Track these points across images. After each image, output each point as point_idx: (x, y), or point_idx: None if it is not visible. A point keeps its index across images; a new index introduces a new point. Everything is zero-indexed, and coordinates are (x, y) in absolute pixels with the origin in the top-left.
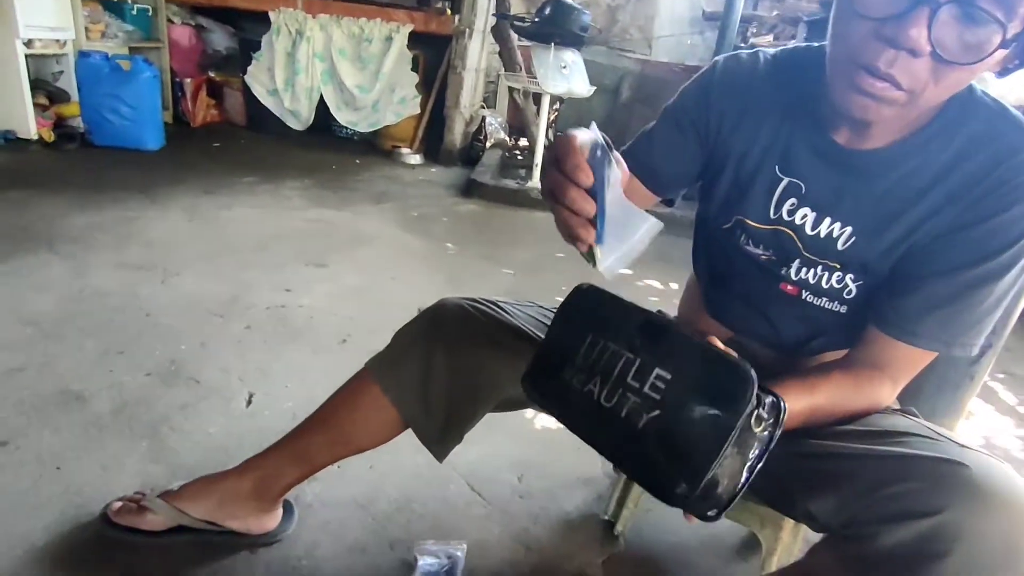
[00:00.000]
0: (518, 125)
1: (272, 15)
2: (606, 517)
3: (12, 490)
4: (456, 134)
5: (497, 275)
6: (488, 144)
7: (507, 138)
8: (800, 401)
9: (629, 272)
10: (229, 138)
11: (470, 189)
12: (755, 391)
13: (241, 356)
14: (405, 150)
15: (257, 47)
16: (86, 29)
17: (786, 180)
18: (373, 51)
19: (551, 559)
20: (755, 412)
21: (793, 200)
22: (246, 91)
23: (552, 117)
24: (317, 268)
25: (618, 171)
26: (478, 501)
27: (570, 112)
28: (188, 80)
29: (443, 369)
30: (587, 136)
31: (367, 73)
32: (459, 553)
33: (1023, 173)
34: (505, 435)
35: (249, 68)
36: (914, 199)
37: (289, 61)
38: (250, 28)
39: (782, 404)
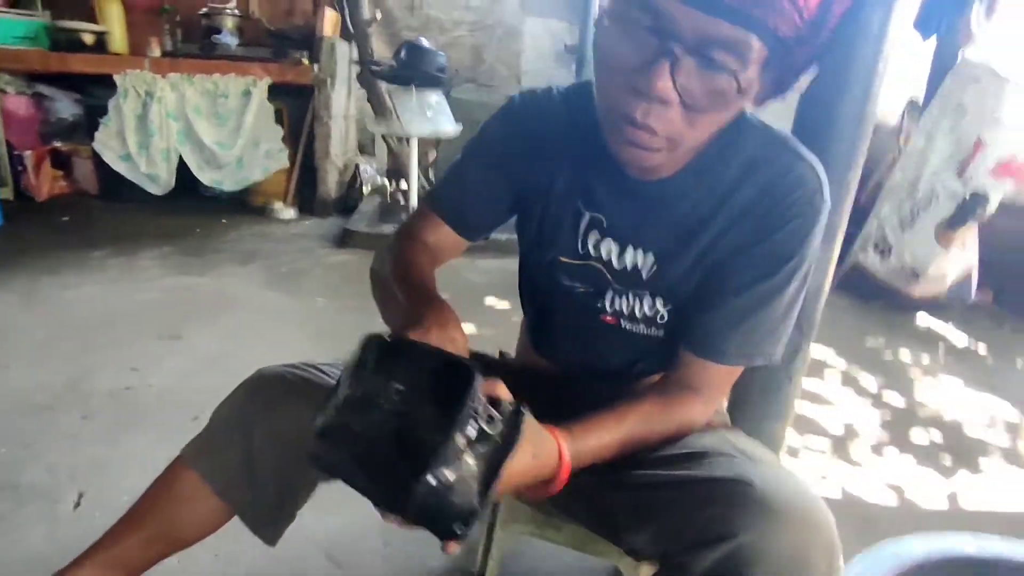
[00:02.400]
0: (396, 170)
1: (117, 78)
2: (474, 571)
3: None
4: (330, 184)
5: (370, 325)
6: (366, 191)
7: (386, 183)
8: (610, 432)
9: (506, 305)
10: (80, 210)
11: (344, 239)
12: (477, 388)
13: (73, 451)
14: (278, 205)
15: (104, 112)
16: None
17: (588, 215)
18: (231, 106)
19: None
20: (484, 411)
21: (597, 233)
22: (97, 159)
23: (432, 158)
24: (170, 341)
25: None
26: (337, 574)
27: (449, 151)
28: (29, 153)
29: (266, 445)
30: None
31: (227, 129)
32: None
33: (793, 192)
34: (363, 500)
35: (97, 134)
36: (703, 223)
37: (140, 124)
38: (97, 93)
39: (522, 411)
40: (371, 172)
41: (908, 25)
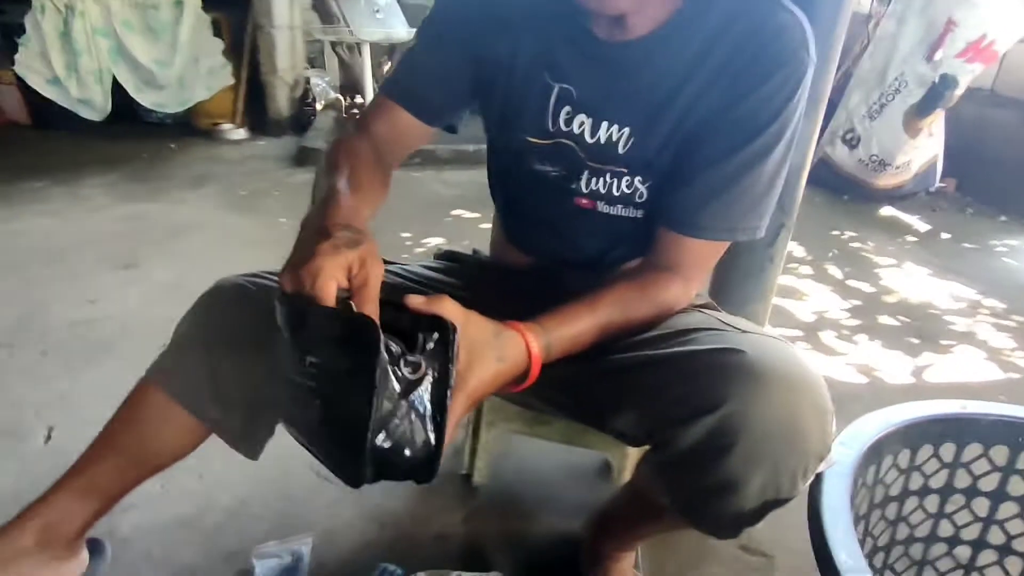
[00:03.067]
0: (350, 83)
1: None
2: (463, 472)
3: None
4: (280, 101)
5: None
6: (319, 107)
7: (340, 97)
8: (583, 320)
9: (475, 215)
10: (11, 142)
11: (302, 157)
12: (381, 348)
13: (35, 387)
14: (227, 126)
15: (21, 31)
16: None
17: (557, 87)
18: (163, 19)
19: (408, 531)
20: (405, 361)
21: (568, 108)
22: (23, 85)
23: (387, 68)
24: (126, 270)
25: None
26: (325, 487)
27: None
28: None
29: (232, 358)
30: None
31: (162, 45)
32: (303, 548)
33: (775, 42)
34: None
35: (17, 57)
36: (678, 86)
37: (65, 42)
38: (10, 10)
39: (450, 335)
40: (323, 86)
41: None
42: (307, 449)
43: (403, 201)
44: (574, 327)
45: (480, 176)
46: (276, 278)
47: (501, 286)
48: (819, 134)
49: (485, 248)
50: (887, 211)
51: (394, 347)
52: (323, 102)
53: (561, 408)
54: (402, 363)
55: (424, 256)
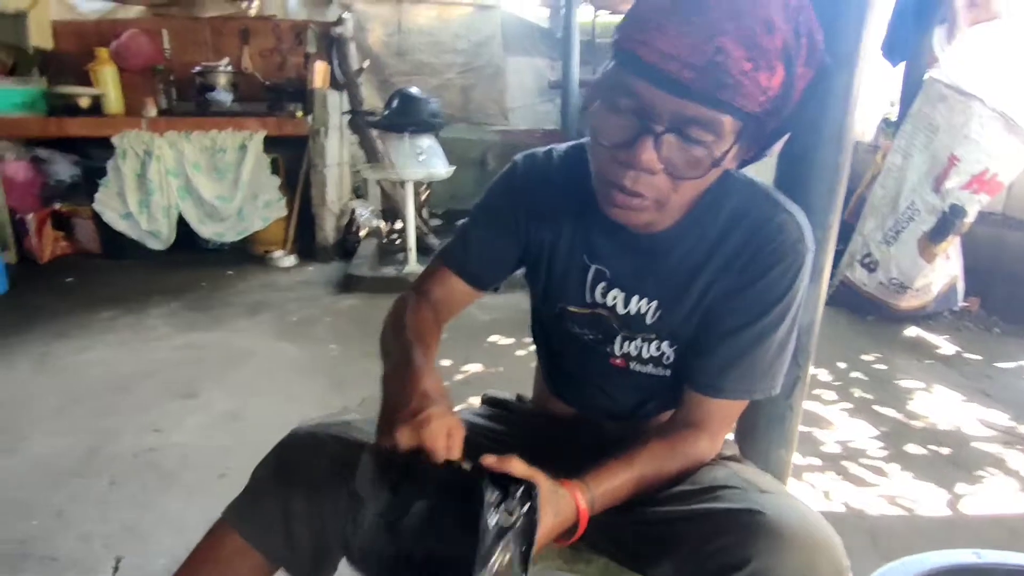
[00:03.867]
0: (391, 210)
1: (115, 139)
2: None
3: None
4: (328, 230)
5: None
6: (362, 235)
7: (382, 225)
8: (621, 475)
9: (510, 340)
10: (83, 271)
11: (348, 284)
12: (489, 488)
13: (105, 517)
14: (278, 253)
15: (103, 173)
16: None
17: (594, 267)
18: (229, 160)
19: None
20: (502, 505)
21: (604, 284)
22: (98, 219)
23: (425, 196)
24: (187, 400)
25: None
26: None
27: (442, 188)
28: (30, 216)
29: (303, 503)
30: None
31: (226, 183)
32: None
33: (775, 239)
34: None
35: (97, 195)
36: (697, 270)
37: (140, 182)
38: (95, 154)
39: (534, 491)
40: (366, 215)
41: (877, 52)
42: None
43: (447, 325)
44: (613, 482)
45: (513, 300)
46: (343, 426)
47: (546, 435)
48: (836, 259)
49: (517, 379)
50: (912, 331)
51: (491, 496)
52: (366, 229)
53: (601, 551)
54: (498, 510)
55: (463, 385)
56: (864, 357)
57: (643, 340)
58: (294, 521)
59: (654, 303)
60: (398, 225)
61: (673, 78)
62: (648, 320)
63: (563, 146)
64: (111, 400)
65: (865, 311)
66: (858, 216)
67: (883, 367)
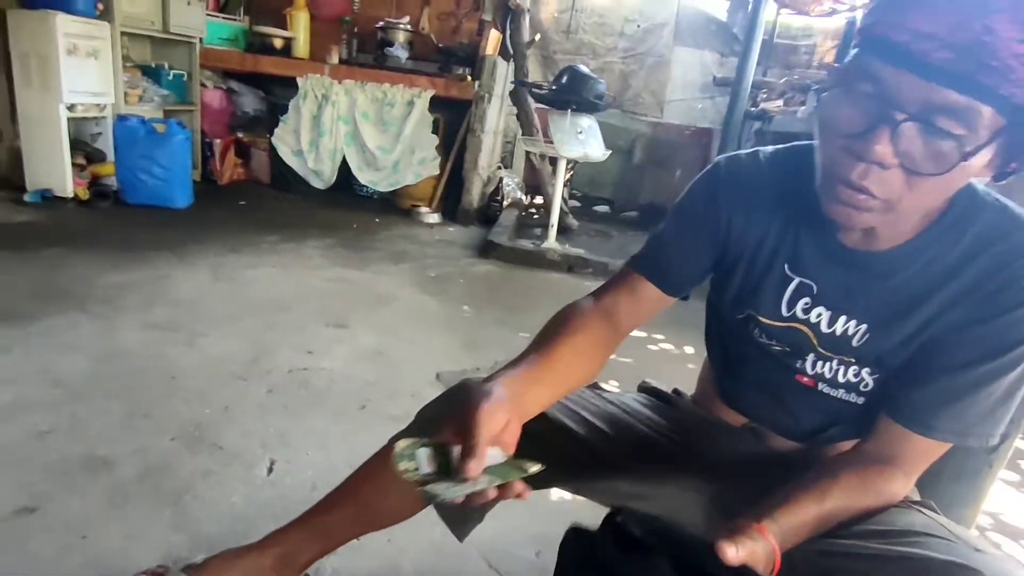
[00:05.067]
0: (534, 184)
1: (300, 80)
2: None
3: (39, 559)
4: (474, 194)
5: (514, 339)
6: (505, 204)
7: (523, 198)
8: (811, 510)
9: (642, 334)
10: (254, 196)
11: (487, 249)
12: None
13: (263, 421)
14: (424, 209)
15: (284, 110)
16: (125, 94)
17: (797, 280)
18: (395, 114)
19: None
20: None
21: (807, 300)
22: (272, 151)
23: (568, 176)
24: (337, 329)
25: None
26: None
27: (584, 171)
28: (217, 141)
29: None
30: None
31: (389, 135)
32: None
33: None
34: (523, 509)
35: (276, 130)
36: (927, 295)
37: (314, 123)
38: (279, 92)
39: None
40: (512, 185)
41: None
42: None
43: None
44: (802, 518)
45: None
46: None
47: (710, 440)
48: None
49: (681, 385)
50: None
51: None
52: (510, 200)
53: None
54: None
55: None
56: None
57: (840, 363)
58: None
59: (863, 326)
60: (538, 200)
61: (926, 60)
62: (854, 343)
63: (769, 148)
64: (273, 316)
65: None
66: None
67: None
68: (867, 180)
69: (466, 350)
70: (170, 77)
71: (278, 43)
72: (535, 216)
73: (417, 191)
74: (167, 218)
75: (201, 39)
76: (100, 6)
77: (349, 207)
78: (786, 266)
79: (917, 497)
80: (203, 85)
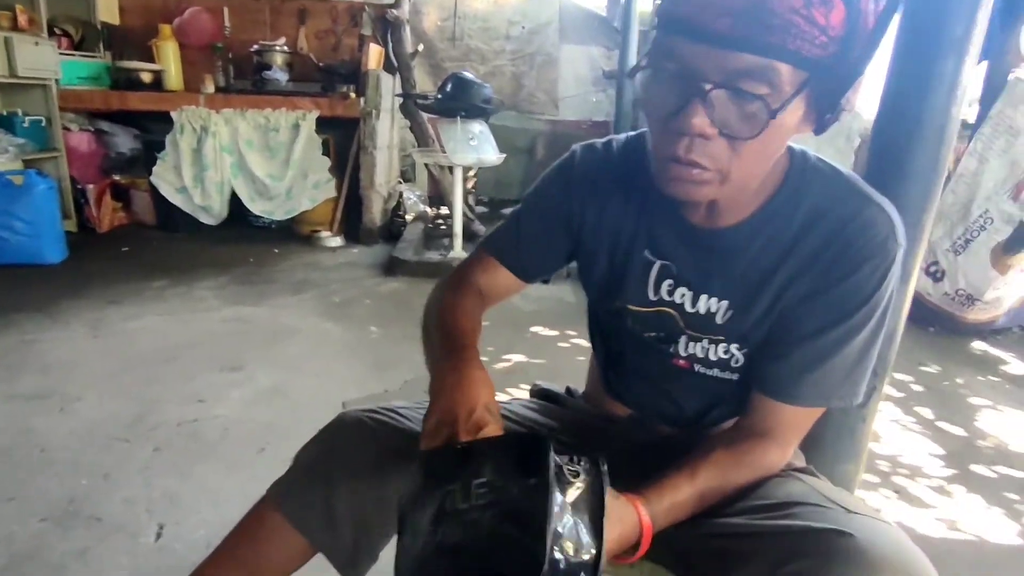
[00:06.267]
0: (437, 196)
1: (174, 114)
2: None
3: None
4: (375, 212)
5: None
6: (409, 219)
7: (428, 210)
8: (684, 489)
9: (554, 332)
10: (138, 241)
11: (392, 267)
12: (551, 448)
13: (148, 483)
14: (325, 233)
15: (162, 147)
16: None
17: (658, 263)
18: (281, 139)
19: None
20: (565, 468)
21: (670, 281)
22: (154, 191)
23: (472, 184)
24: (232, 372)
25: None
26: None
27: (488, 176)
28: (91, 186)
29: (346, 488)
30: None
31: (277, 162)
32: None
33: (863, 235)
34: None
35: (155, 168)
36: (772, 270)
37: (196, 157)
38: (155, 129)
39: (600, 461)
40: (414, 199)
41: None
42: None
43: (488, 316)
44: (676, 497)
45: (558, 292)
46: (392, 414)
47: (600, 435)
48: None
49: (565, 381)
50: (978, 346)
51: (555, 459)
52: (413, 214)
53: (655, 559)
54: (564, 471)
55: (505, 375)
56: (925, 370)
57: (710, 342)
58: (338, 507)
59: (724, 303)
60: (444, 211)
61: (713, 29)
62: (718, 320)
63: (623, 136)
64: (158, 368)
65: (927, 322)
66: None
67: (946, 382)
68: (694, 153)
69: (375, 372)
70: (25, 124)
71: (147, 77)
72: (442, 227)
73: (316, 215)
74: (36, 276)
75: (57, 80)
76: None
77: (245, 240)
78: (646, 251)
79: (800, 463)
80: (67, 129)
